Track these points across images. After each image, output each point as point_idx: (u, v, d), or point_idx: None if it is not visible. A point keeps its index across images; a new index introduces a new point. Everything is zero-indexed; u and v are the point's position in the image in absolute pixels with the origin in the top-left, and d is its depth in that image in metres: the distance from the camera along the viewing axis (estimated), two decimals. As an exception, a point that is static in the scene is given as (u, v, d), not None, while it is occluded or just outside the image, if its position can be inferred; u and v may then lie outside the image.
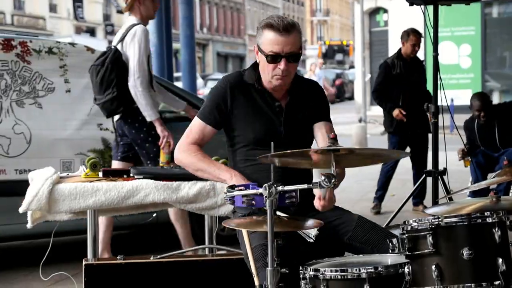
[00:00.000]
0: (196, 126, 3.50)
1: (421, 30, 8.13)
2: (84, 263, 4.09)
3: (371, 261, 3.06)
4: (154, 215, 6.00)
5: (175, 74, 15.39)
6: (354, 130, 15.76)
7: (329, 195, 3.14)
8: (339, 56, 51.55)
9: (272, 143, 3.09)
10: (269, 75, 3.37)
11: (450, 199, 4.99)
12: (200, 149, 3.47)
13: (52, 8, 40.52)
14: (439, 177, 6.49)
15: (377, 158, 3.39)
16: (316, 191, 3.17)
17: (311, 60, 48.73)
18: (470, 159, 7.23)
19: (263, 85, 3.45)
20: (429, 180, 6.70)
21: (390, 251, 2.95)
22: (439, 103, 6.38)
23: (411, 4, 6.57)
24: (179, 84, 10.93)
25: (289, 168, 3.17)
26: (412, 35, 7.80)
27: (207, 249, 4.62)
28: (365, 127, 16.50)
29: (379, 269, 2.87)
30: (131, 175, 4.48)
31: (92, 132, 6.08)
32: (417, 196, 7.84)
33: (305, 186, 2.97)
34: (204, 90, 27.93)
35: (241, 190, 3.04)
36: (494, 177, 4.26)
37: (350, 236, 3.29)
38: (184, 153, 3.47)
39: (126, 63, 5.51)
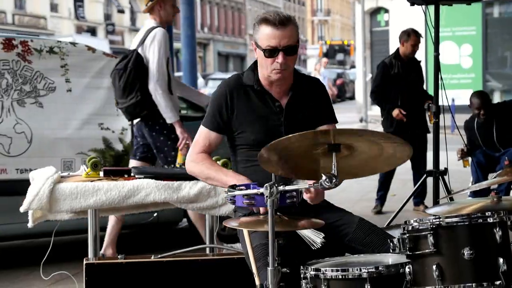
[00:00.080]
0: (202, 134, 3.50)
1: (422, 30, 8.14)
2: (85, 262, 4.10)
3: (372, 261, 3.06)
4: (155, 214, 6.01)
5: (176, 74, 15.35)
6: (355, 130, 15.73)
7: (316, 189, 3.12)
8: (340, 56, 51.58)
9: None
10: (268, 69, 3.37)
11: (451, 199, 4.99)
12: (208, 157, 3.47)
13: (53, 7, 40.53)
14: (440, 177, 6.49)
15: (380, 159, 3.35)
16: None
17: (312, 60, 48.69)
18: (469, 160, 7.24)
19: (263, 85, 3.45)
20: (430, 180, 6.70)
21: (391, 250, 2.95)
22: (440, 103, 6.38)
23: (412, 4, 6.57)
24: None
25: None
26: (412, 35, 7.80)
27: (207, 249, 4.62)
28: (366, 127, 16.52)
29: (380, 268, 2.87)
30: (132, 174, 4.49)
31: (93, 132, 6.08)
32: (418, 196, 7.84)
33: (306, 185, 2.97)
34: (205, 89, 27.91)
35: (242, 189, 3.04)
36: (495, 177, 4.27)
37: (350, 238, 3.28)
38: (193, 162, 3.47)
39: (147, 67, 5.53)
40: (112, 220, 5.54)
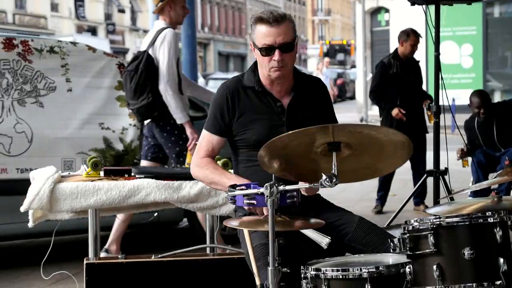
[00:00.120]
0: (204, 138, 3.50)
1: (423, 30, 8.14)
2: (85, 262, 4.10)
3: (373, 261, 3.05)
4: (156, 214, 6.01)
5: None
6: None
7: None
8: (340, 56, 51.57)
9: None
10: (266, 68, 3.36)
11: (451, 199, 5.00)
12: (212, 161, 3.47)
13: (54, 7, 40.54)
14: (440, 177, 6.49)
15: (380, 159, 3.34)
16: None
17: (313, 59, 48.66)
18: (468, 160, 7.24)
19: (264, 86, 3.45)
20: (430, 180, 6.70)
21: (391, 250, 2.95)
22: (440, 103, 6.38)
23: (412, 4, 6.56)
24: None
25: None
26: (412, 35, 7.80)
27: (208, 249, 4.62)
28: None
29: (381, 268, 2.87)
30: (132, 174, 4.48)
31: (93, 131, 6.08)
32: (418, 196, 7.84)
33: (306, 185, 2.97)
34: (205, 89, 27.89)
35: (242, 189, 3.04)
36: (495, 177, 4.28)
37: (350, 237, 3.28)
38: (197, 167, 3.47)
39: (158, 68, 5.53)
40: (120, 217, 5.54)
